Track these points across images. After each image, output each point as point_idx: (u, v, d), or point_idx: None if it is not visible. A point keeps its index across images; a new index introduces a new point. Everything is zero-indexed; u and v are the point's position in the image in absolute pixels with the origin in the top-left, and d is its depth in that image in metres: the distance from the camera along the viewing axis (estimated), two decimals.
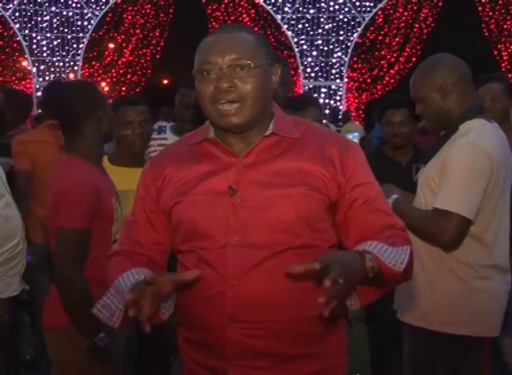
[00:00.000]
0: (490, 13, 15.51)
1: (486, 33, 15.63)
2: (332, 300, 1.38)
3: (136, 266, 1.73)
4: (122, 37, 15.38)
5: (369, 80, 15.61)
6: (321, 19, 14.30)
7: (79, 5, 13.59)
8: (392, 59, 15.55)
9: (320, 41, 14.30)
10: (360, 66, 15.38)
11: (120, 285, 1.65)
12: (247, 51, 1.63)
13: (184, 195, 1.68)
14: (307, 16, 14.25)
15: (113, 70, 15.57)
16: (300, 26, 14.27)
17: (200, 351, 1.71)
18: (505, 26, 15.53)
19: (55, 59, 13.59)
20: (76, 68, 13.72)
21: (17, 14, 13.43)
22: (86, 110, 2.54)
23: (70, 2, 13.55)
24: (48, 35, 13.57)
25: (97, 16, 13.76)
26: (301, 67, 14.17)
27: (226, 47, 1.63)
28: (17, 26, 13.46)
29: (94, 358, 2.42)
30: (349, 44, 14.31)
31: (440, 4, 15.40)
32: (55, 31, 13.57)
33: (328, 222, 1.70)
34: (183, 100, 3.29)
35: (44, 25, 13.53)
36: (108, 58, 15.52)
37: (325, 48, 14.30)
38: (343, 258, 1.50)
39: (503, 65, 15.47)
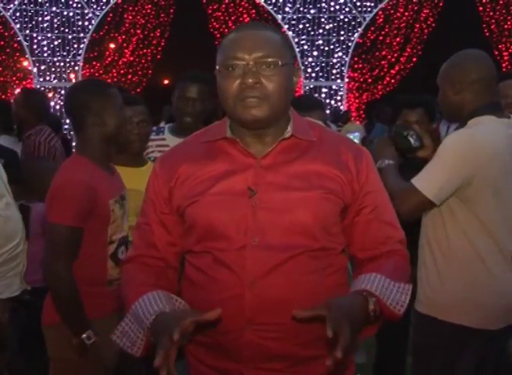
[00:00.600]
0: (491, 13, 15.49)
1: (487, 34, 15.62)
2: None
3: (150, 277, 1.71)
4: (123, 37, 15.38)
5: (370, 81, 15.60)
6: (322, 20, 14.29)
7: (79, 5, 13.59)
8: (393, 59, 15.54)
9: (321, 41, 14.29)
10: (360, 66, 15.37)
11: (138, 313, 1.63)
12: (274, 49, 1.63)
13: (200, 195, 1.66)
14: (308, 16, 14.24)
15: (114, 70, 15.56)
16: (300, 26, 14.26)
17: (211, 353, 1.69)
18: (506, 27, 15.52)
19: (55, 59, 13.59)
20: (76, 68, 13.72)
21: (18, 14, 13.43)
22: (83, 111, 2.53)
23: (71, 2, 13.54)
24: (49, 35, 13.57)
25: (97, 16, 13.75)
26: (302, 67, 14.17)
27: (254, 44, 1.63)
28: (18, 26, 13.46)
29: (83, 356, 2.42)
30: (349, 44, 14.30)
31: (441, 4, 15.39)
32: (56, 31, 13.57)
33: (340, 225, 1.71)
34: (183, 94, 3.29)
35: (45, 25, 13.53)
36: (109, 59, 15.51)
37: (326, 48, 14.29)
38: (349, 310, 1.50)
39: (504, 65, 15.45)
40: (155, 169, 1.78)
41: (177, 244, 1.76)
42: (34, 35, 13.56)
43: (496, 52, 15.59)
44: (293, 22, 14.33)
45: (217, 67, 1.66)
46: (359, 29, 14.39)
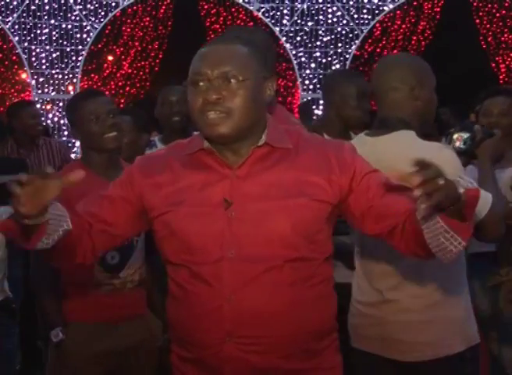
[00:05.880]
0: (488, 26, 15.54)
1: (484, 46, 15.67)
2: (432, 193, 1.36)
3: (73, 221, 1.65)
4: (121, 49, 15.39)
5: None
6: (320, 32, 14.34)
7: (78, 18, 13.63)
8: None
9: (318, 54, 14.33)
10: None
11: None
12: (237, 63, 1.64)
13: (177, 205, 1.66)
14: (306, 28, 14.29)
15: (112, 83, 15.57)
16: (298, 38, 14.30)
17: (196, 369, 1.68)
18: (502, 39, 15.56)
19: (54, 72, 13.60)
20: (75, 80, 13.74)
21: (16, 27, 13.46)
22: (72, 122, 2.71)
23: (69, 15, 13.58)
24: (47, 48, 13.59)
25: (96, 28, 13.79)
26: (300, 79, 14.20)
27: (217, 59, 1.64)
28: (16, 38, 13.49)
29: (54, 356, 2.56)
30: (347, 56, 14.35)
31: (438, 16, 15.44)
32: (55, 44, 13.59)
33: (327, 232, 1.69)
34: (166, 98, 3.38)
35: (44, 38, 13.55)
36: (107, 71, 15.52)
37: (324, 61, 14.33)
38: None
39: (501, 77, 15.50)
40: (132, 166, 1.80)
41: (110, 226, 1.73)
42: (33, 48, 13.58)
43: (493, 65, 15.64)
44: (291, 34, 14.37)
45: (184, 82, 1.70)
46: (356, 41, 14.44)
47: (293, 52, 14.28)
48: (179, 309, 1.67)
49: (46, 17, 13.53)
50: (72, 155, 12.61)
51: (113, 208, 1.74)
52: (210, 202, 1.64)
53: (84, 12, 13.57)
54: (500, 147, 2.60)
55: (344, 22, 14.35)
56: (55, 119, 13.24)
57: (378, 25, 15.02)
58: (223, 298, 1.60)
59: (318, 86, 14.45)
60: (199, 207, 1.64)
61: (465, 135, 2.59)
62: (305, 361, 1.65)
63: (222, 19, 15.39)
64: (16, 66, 14.67)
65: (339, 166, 1.67)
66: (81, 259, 1.73)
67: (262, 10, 14.31)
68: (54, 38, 13.63)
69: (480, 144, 2.54)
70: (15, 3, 13.32)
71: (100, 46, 14.92)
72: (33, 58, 13.66)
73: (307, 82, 14.42)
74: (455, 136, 2.61)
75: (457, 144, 2.59)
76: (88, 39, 13.83)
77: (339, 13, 14.29)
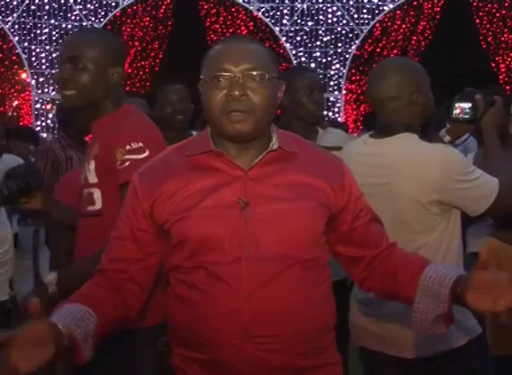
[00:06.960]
0: (488, 26, 15.56)
1: (484, 46, 15.69)
2: None
3: (101, 291, 1.65)
4: None
5: None
6: (320, 32, 14.35)
7: (78, 18, 13.65)
8: None
9: (318, 54, 14.34)
10: (358, 78, 15.41)
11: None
12: (261, 62, 1.63)
13: (190, 210, 1.63)
14: (306, 28, 14.30)
15: None
16: (298, 38, 14.32)
17: (206, 370, 1.66)
18: (502, 39, 15.59)
19: (54, 72, 13.62)
20: None
21: (16, 27, 13.48)
22: None
23: (69, 15, 13.60)
24: (47, 48, 13.60)
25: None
26: None
27: (241, 56, 1.63)
28: (16, 38, 13.51)
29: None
30: (347, 56, 14.37)
31: (438, 17, 15.46)
32: (55, 44, 13.61)
33: (324, 236, 1.71)
34: (168, 96, 3.41)
35: (44, 38, 13.57)
36: None
37: (324, 61, 14.35)
38: None
39: (501, 77, 15.51)
40: (134, 185, 1.72)
41: (144, 261, 1.71)
42: (33, 48, 13.60)
43: (493, 64, 15.66)
44: (291, 34, 14.39)
45: (202, 77, 1.65)
46: (356, 41, 14.46)
47: (293, 52, 14.30)
48: (193, 311, 1.64)
49: (46, 17, 13.54)
50: None
51: (137, 244, 1.70)
52: (223, 204, 1.63)
53: (84, 12, 13.58)
54: (502, 114, 2.58)
55: (344, 22, 14.37)
56: (56, 119, 13.26)
57: (378, 25, 15.03)
58: (242, 297, 1.59)
59: None
60: (214, 209, 1.62)
61: (466, 105, 2.57)
62: (316, 357, 1.67)
63: (222, 19, 15.41)
64: (15, 66, 14.69)
65: (341, 180, 1.70)
66: (135, 305, 1.71)
67: (262, 10, 14.32)
68: (54, 38, 13.64)
69: (483, 115, 2.53)
70: (15, 3, 13.34)
71: None
72: (33, 58, 13.68)
73: None
74: (456, 106, 2.59)
75: (459, 115, 2.59)
76: None
77: (339, 13, 14.31)
